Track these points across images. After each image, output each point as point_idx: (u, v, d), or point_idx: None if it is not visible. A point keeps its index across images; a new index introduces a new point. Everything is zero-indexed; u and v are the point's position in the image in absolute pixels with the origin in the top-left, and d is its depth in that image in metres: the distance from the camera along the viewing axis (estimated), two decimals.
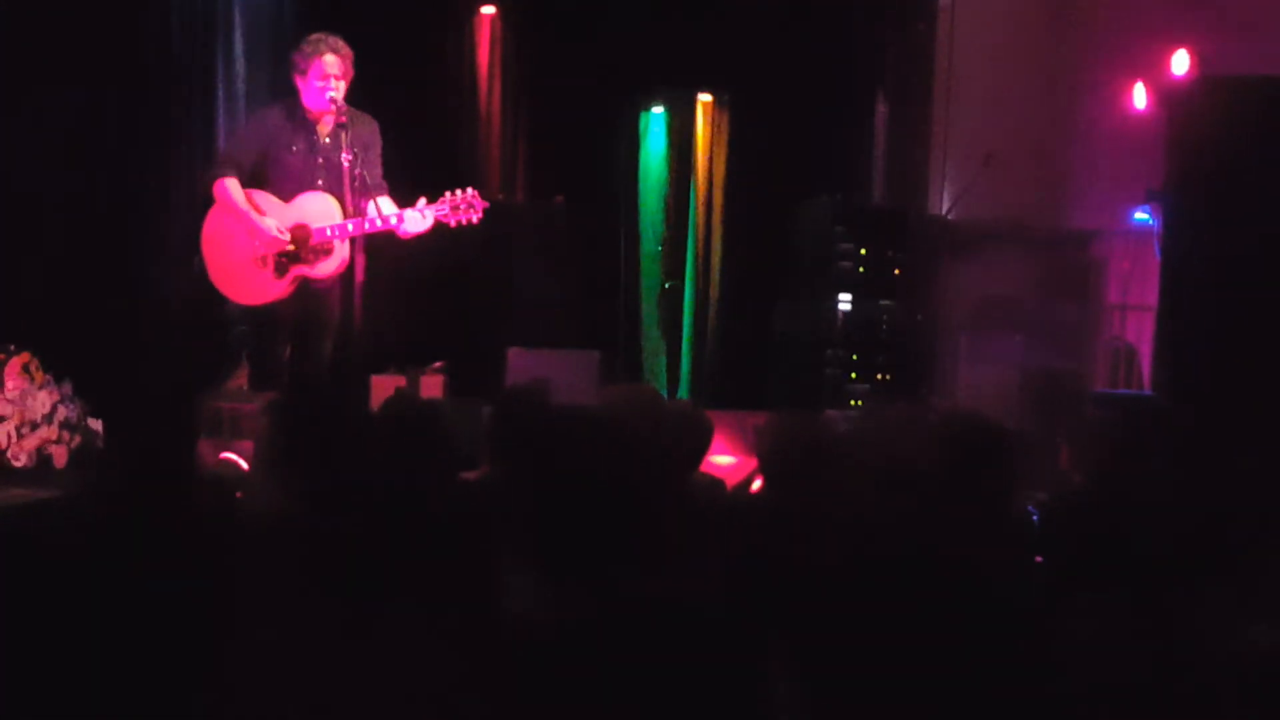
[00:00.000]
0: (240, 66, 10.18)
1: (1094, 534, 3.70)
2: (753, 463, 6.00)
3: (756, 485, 5.54)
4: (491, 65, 11.25)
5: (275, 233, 8.21)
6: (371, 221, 8.10)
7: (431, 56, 11.01)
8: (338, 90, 8.23)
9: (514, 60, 11.30)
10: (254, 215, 8.25)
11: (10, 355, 8.46)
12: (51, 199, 9.33)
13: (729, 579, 3.70)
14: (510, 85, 11.31)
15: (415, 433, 5.00)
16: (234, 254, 8.31)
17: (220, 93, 10.10)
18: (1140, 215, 10.29)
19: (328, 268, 8.26)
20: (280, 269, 8.26)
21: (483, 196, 8.30)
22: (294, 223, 8.25)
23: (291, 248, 8.21)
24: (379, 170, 8.39)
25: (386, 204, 8.23)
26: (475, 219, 8.27)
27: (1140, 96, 10.80)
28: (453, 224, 8.25)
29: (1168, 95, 9.31)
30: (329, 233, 8.19)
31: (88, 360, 8.69)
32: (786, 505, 4.74)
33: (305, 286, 8.30)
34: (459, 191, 8.25)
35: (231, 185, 8.29)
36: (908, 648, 2.95)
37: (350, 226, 8.14)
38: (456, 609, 3.04)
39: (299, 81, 8.34)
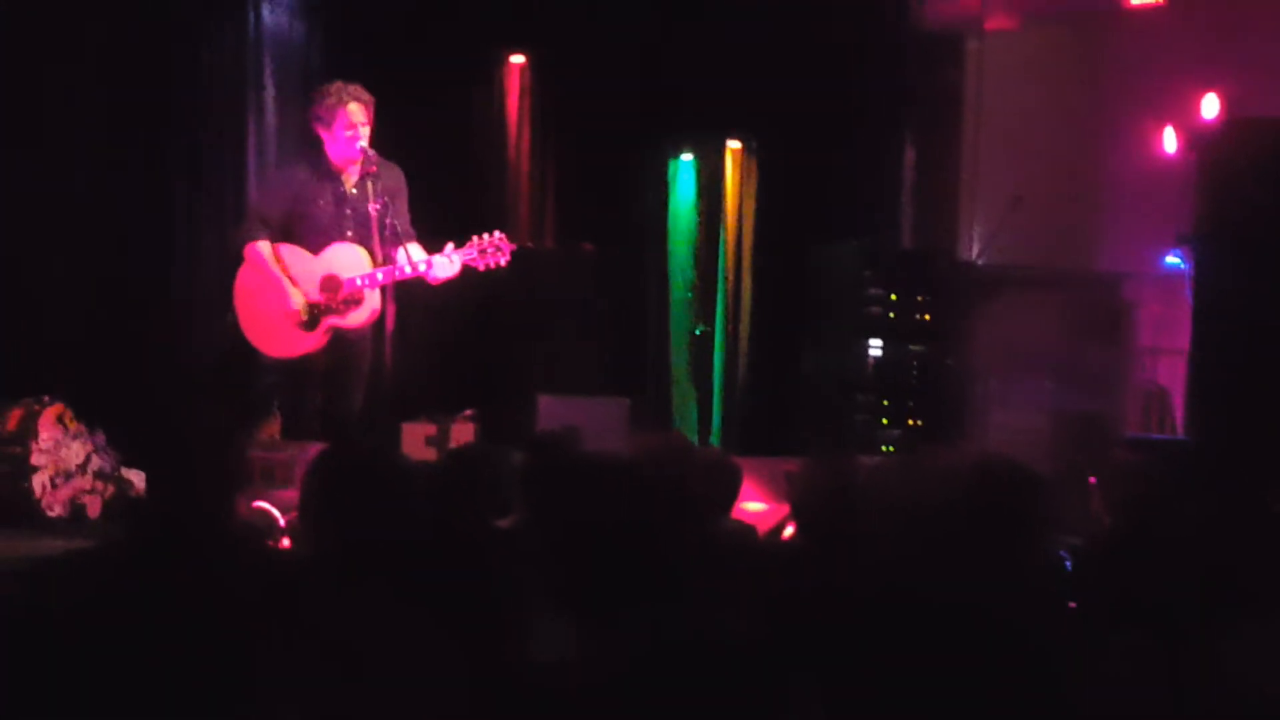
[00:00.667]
0: (270, 115, 10.23)
1: (1127, 578, 3.69)
2: (784, 509, 5.99)
3: (789, 532, 5.53)
4: (520, 113, 11.29)
5: (311, 281, 8.24)
6: (400, 269, 8.12)
7: (460, 105, 11.05)
8: (362, 138, 8.26)
9: (542, 108, 11.34)
10: (284, 283, 8.28)
11: (44, 406, 8.50)
12: (83, 250, 9.38)
13: (759, 624, 3.69)
14: (539, 133, 11.35)
15: (469, 481, 5.02)
16: (266, 309, 8.33)
17: (251, 141, 10.15)
18: (1171, 259, 10.28)
19: (359, 317, 8.28)
20: (312, 321, 8.29)
21: (511, 243, 8.33)
22: (324, 274, 8.28)
23: (326, 295, 8.23)
24: (407, 218, 8.41)
25: (416, 251, 8.25)
26: (503, 262, 8.27)
27: (1170, 140, 10.79)
28: (480, 268, 8.25)
29: (1197, 139, 9.31)
30: (359, 282, 8.21)
31: (120, 411, 8.73)
32: (819, 551, 4.73)
33: (337, 336, 8.32)
34: (486, 235, 8.26)
35: (263, 249, 8.31)
36: (939, 693, 2.94)
37: (380, 275, 8.16)
38: (488, 655, 3.04)
39: (323, 133, 8.35)
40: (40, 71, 9.22)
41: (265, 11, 10.23)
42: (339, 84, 8.33)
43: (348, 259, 8.28)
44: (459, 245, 8.22)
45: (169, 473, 4.27)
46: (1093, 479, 6.32)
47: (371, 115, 8.31)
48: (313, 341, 8.30)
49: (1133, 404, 10.57)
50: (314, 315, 8.28)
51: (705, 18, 10.96)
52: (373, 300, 8.24)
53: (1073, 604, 4.25)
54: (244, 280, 8.43)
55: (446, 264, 8.19)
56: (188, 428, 9.17)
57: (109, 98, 9.39)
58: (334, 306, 8.26)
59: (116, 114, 9.43)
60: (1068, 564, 4.87)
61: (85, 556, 3.81)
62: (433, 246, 8.28)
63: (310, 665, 3.13)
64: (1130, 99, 10.97)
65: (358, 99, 8.28)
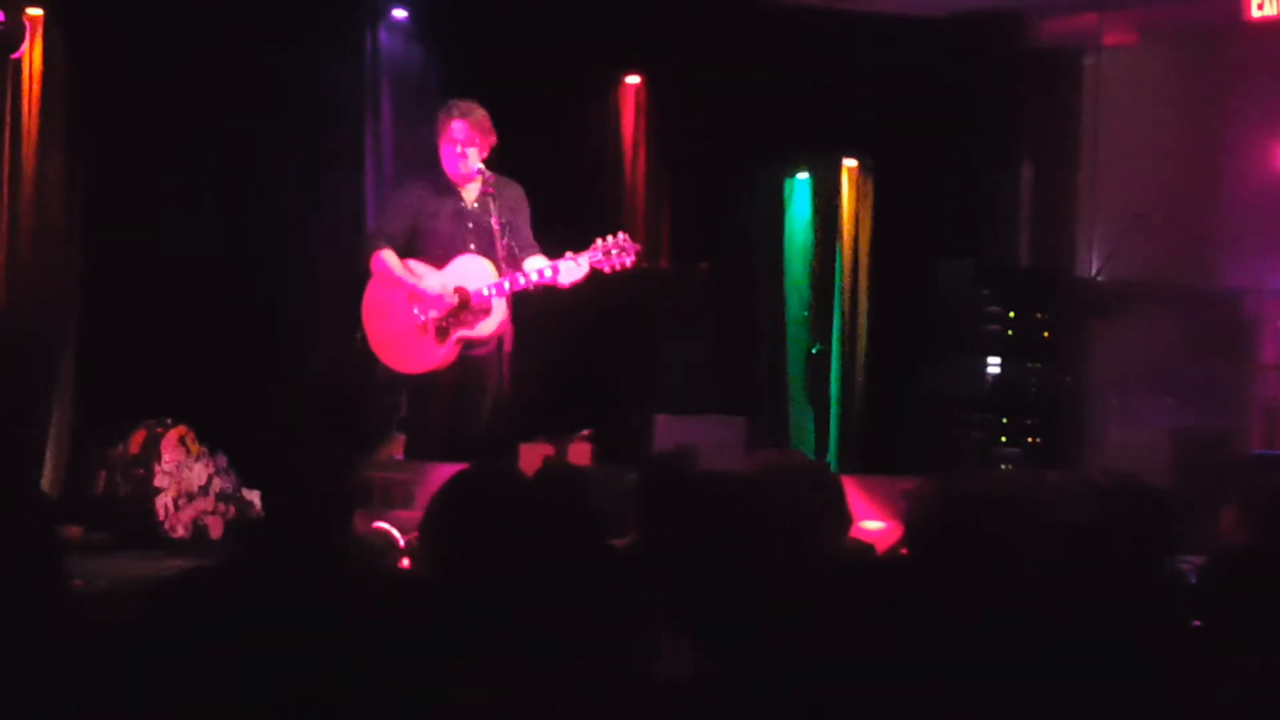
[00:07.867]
0: (388, 137, 10.30)
1: (1254, 596, 3.65)
2: (902, 528, 5.95)
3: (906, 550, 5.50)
4: (636, 133, 11.28)
5: (439, 290, 8.28)
6: (527, 276, 8.15)
7: (576, 125, 11.07)
8: (468, 155, 8.30)
9: (658, 128, 11.34)
10: (414, 280, 8.34)
11: (167, 428, 8.60)
12: (206, 272, 9.46)
13: (878, 643, 3.67)
14: (654, 153, 11.34)
15: (564, 500, 5.02)
16: (395, 324, 8.39)
17: (369, 164, 10.22)
18: None
19: (488, 327, 8.32)
20: (442, 333, 8.33)
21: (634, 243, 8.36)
22: (452, 286, 8.32)
23: (456, 304, 8.27)
24: (529, 232, 8.48)
25: (540, 262, 8.28)
26: (629, 262, 8.30)
27: None
28: (607, 269, 8.27)
29: None
30: (487, 291, 8.25)
31: (242, 433, 8.80)
32: (936, 570, 4.70)
33: (466, 353, 8.36)
34: (610, 237, 8.29)
35: (388, 256, 8.39)
36: (1060, 713, 2.92)
37: (507, 285, 8.20)
38: (608, 673, 3.04)
39: (439, 146, 8.44)
40: (161, 93, 9.31)
41: (383, 34, 10.29)
42: (455, 100, 8.39)
43: (474, 270, 8.34)
44: (578, 252, 8.26)
45: (286, 493, 4.29)
46: (1218, 497, 6.24)
47: (482, 135, 8.33)
48: (444, 355, 8.35)
49: (1255, 421, 10.45)
50: (443, 326, 8.32)
51: (820, 36, 10.92)
52: (500, 310, 8.28)
53: (1197, 623, 4.20)
54: (372, 297, 8.50)
55: (573, 268, 8.23)
56: (305, 447, 9.24)
57: (229, 119, 9.47)
58: (463, 317, 8.29)
59: (236, 136, 9.52)
60: (1192, 582, 4.82)
61: (204, 575, 3.84)
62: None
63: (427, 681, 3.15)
64: (1251, 113, 10.84)
65: (465, 116, 8.32)
